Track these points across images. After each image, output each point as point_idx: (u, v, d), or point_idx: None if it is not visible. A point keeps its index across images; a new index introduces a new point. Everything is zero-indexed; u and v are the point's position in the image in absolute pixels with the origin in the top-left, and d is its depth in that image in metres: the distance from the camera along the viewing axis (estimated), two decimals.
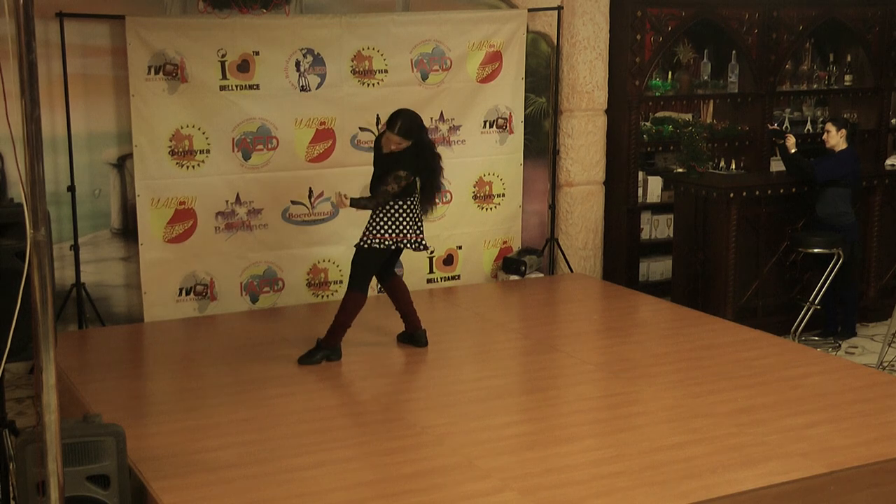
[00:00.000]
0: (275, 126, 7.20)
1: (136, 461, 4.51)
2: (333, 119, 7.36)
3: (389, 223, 6.04)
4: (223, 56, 6.98)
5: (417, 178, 6.08)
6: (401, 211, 6.05)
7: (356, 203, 6.02)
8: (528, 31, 7.98)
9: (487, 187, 8.03)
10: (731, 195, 7.75)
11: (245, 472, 4.55)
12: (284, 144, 7.25)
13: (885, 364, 7.21)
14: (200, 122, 6.98)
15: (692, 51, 8.93)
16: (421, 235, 6.15)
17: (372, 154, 6.33)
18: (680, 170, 8.49)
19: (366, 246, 6.08)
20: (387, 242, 6.06)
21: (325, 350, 6.09)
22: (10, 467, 4.55)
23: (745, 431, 4.99)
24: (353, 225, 7.33)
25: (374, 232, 6.05)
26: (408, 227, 6.07)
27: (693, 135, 8.37)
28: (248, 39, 7.02)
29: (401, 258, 7.55)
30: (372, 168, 6.23)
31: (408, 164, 5.98)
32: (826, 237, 7.64)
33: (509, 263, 8.12)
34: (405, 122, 6.01)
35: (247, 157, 7.17)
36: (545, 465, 4.65)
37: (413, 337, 6.39)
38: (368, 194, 6.17)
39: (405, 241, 6.10)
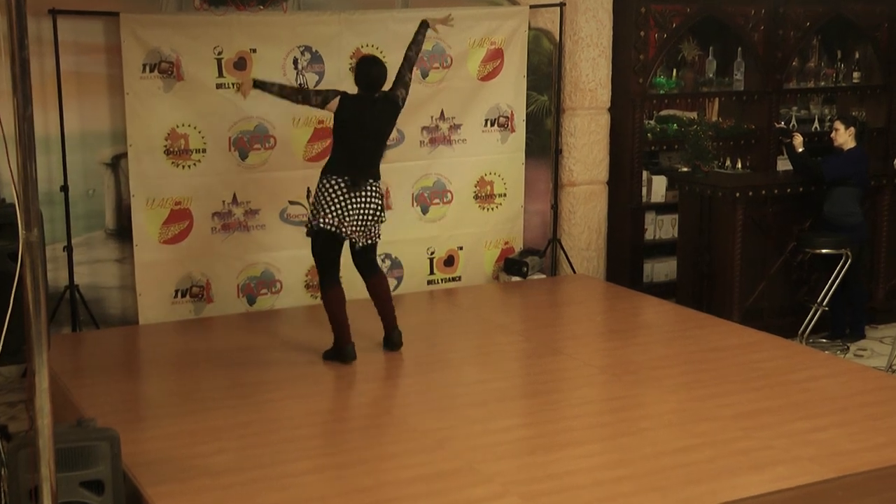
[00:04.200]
0: (272, 125, 7.16)
1: (130, 466, 4.46)
2: (332, 118, 7.24)
3: (315, 202, 5.95)
4: (219, 54, 6.94)
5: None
6: (321, 189, 5.92)
7: (261, 84, 6.02)
8: (529, 28, 7.96)
9: (489, 187, 8.01)
10: (737, 195, 7.71)
11: (242, 477, 4.52)
12: (282, 143, 7.21)
13: (895, 367, 7.14)
14: (196, 120, 6.94)
15: (697, 48, 8.88)
16: (347, 223, 5.88)
17: None
18: (685, 169, 8.46)
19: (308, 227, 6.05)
20: (311, 224, 5.96)
21: (335, 351, 6.06)
22: (2, 473, 4.48)
23: (751, 435, 4.96)
24: None
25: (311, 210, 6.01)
26: (329, 210, 5.88)
27: (698, 133, 8.33)
28: (244, 37, 6.98)
29: (399, 257, 7.54)
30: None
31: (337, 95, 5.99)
32: (834, 237, 7.60)
33: (511, 264, 8.08)
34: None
35: (244, 157, 7.13)
36: (547, 469, 4.62)
37: (388, 337, 6.26)
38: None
39: (328, 224, 5.88)
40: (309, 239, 6.04)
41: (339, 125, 6.00)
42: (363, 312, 6.35)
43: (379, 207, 6.00)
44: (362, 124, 5.95)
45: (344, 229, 5.89)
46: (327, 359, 6.09)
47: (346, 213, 5.87)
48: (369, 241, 6.04)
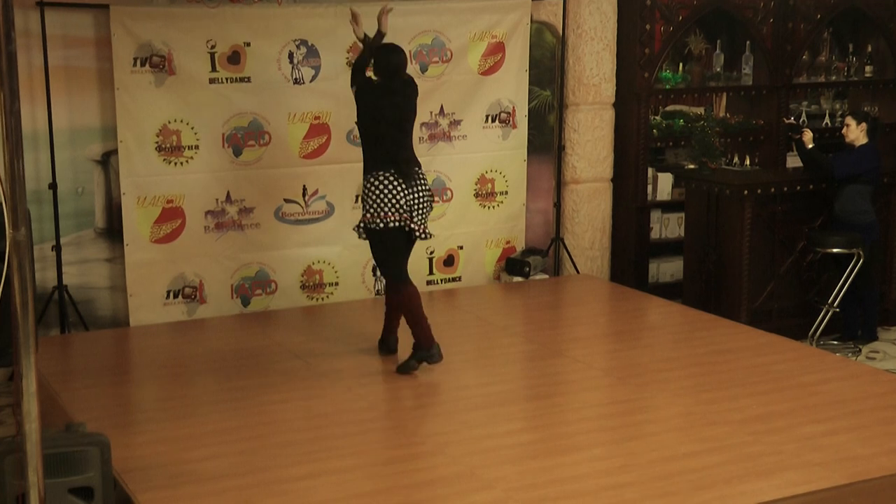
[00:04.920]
0: (267, 120, 7.13)
1: (121, 472, 4.45)
2: (328, 113, 7.28)
3: (369, 201, 5.82)
4: (212, 47, 6.91)
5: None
6: (373, 187, 5.78)
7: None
8: (532, 21, 7.93)
9: (490, 185, 7.97)
10: (745, 192, 7.64)
11: (237, 482, 4.50)
12: (277, 140, 7.18)
13: None
14: (189, 116, 6.92)
15: (704, 41, 8.84)
16: (413, 215, 5.80)
17: None
18: (691, 166, 8.43)
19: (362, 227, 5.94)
20: (376, 222, 5.79)
21: (419, 353, 5.90)
22: None
23: (760, 440, 4.92)
24: (348, 225, 7.25)
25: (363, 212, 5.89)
26: (389, 206, 5.74)
27: (705, 129, 8.30)
28: (238, 30, 6.97)
29: None
30: None
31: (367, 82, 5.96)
32: (845, 236, 7.53)
33: (513, 264, 8.05)
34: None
35: (238, 153, 7.10)
36: (550, 475, 4.60)
37: (384, 340, 6.23)
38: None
39: (388, 221, 5.76)
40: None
41: (359, 113, 5.92)
42: (365, 314, 6.42)
43: (431, 194, 5.96)
44: (380, 116, 5.84)
45: (411, 222, 5.80)
46: (408, 370, 5.88)
47: (407, 206, 5.78)
48: (423, 235, 5.92)
